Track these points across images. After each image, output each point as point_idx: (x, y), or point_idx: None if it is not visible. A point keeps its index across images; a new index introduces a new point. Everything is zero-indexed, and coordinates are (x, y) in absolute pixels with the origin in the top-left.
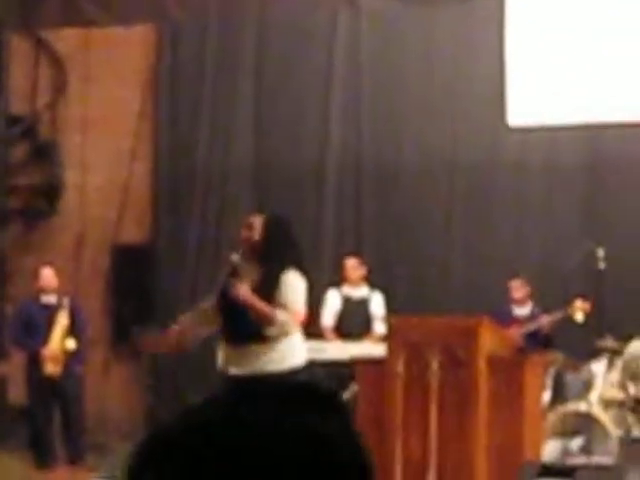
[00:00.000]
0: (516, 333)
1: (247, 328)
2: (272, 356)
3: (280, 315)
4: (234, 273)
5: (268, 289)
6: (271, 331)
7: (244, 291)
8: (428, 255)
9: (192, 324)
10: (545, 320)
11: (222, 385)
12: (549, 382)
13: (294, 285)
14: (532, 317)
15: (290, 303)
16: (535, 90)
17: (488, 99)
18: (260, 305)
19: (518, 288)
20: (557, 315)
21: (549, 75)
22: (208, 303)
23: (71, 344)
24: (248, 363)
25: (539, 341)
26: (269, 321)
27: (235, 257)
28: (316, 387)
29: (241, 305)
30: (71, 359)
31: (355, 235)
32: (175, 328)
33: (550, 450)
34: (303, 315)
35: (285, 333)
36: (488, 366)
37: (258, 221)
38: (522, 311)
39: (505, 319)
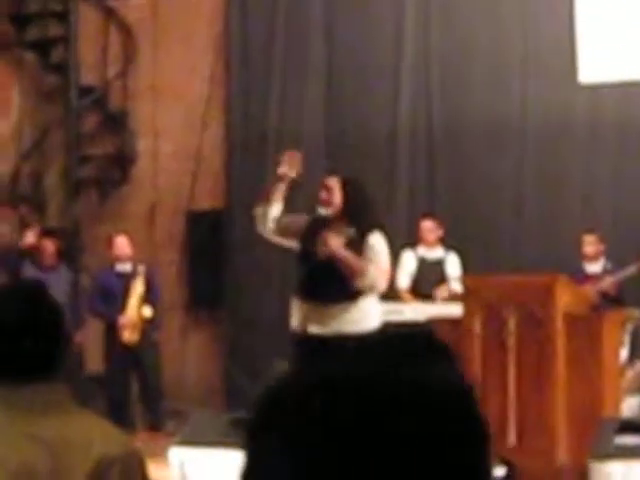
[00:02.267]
0: (591, 290)
1: (332, 286)
2: (353, 316)
3: (370, 268)
4: (323, 226)
5: (354, 249)
6: (362, 283)
7: (336, 243)
8: (500, 215)
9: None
10: (617, 276)
11: (301, 344)
12: (627, 339)
13: (379, 247)
14: (604, 274)
15: (378, 263)
16: (606, 46)
17: (559, 57)
18: (352, 257)
19: (592, 243)
20: (628, 270)
21: (620, 30)
22: (295, 219)
23: (147, 312)
24: (329, 322)
25: (610, 299)
26: (360, 273)
27: (323, 211)
28: (426, 337)
29: (327, 262)
30: (148, 326)
31: (428, 197)
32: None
33: (629, 406)
34: (389, 274)
35: (374, 286)
36: (565, 324)
37: (334, 182)
38: (594, 268)
39: (577, 276)
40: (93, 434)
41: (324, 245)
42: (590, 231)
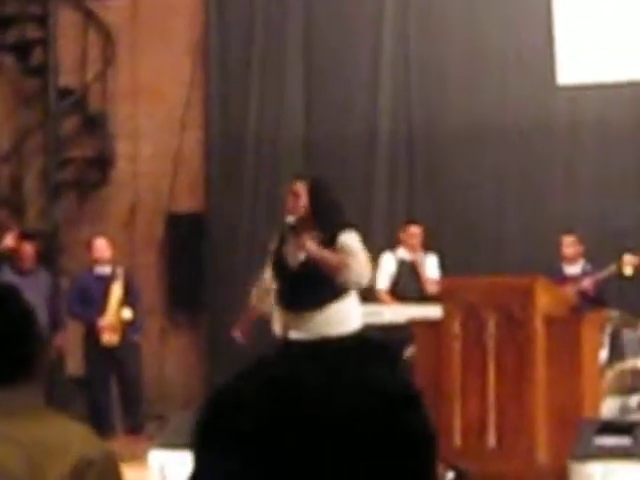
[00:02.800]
0: (571, 291)
1: (308, 293)
2: (333, 319)
3: (352, 261)
4: (291, 234)
5: (329, 248)
6: (347, 277)
7: (310, 244)
8: (480, 217)
9: (261, 298)
10: (596, 277)
11: (284, 351)
12: (606, 340)
13: (352, 244)
14: (583, 276)
15: (355, 254)
16: (585, 48)
17: (537, 58)
18: (329, 255)
19: (571, 245)
20: (607, 271)
21: (598, 32)
22: (266, 277)
23: (127, 314)
24: (308, 327)
25: (590, 300)
26: (341, 267)
27: (290, 219)
28: (372, 341)
29: (298, 271)
30: (128, 329)
31: (407, 200)
32: (252, 306)
33: (609, 408)
34: (369, 266)
35: (360, 277)
36: (545, 325)
37: (301, 187)
38: (573, 269)
39: (556, 278)
40: (70, 436)
41: (301, 249)
42: (570, 232)
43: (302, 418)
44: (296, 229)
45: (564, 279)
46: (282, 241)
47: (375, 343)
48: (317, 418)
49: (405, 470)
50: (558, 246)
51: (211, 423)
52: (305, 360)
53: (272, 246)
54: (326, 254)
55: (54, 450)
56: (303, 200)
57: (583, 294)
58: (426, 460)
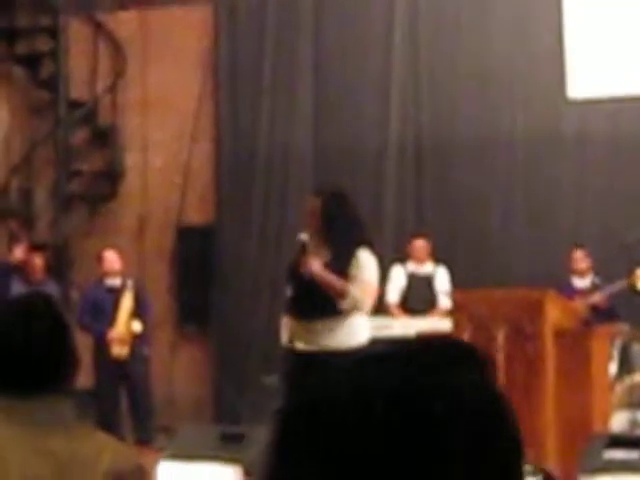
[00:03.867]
0: (581, 305)
1: (318, 304)
2: (340, 332)
3: (353, 289)
4: (304, 252)
5: (339, 268)
6: (345, 305)
7: (316, 266)
8: (490, 230)
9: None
10: (607, 291)
11: (289, 361)
12: (616, 354)
13: (366, 263)
14: (593, 289)
15: (364, 279)
16: (595, 61)
17: (547, 72)
18: (332, 279)
19: (581, 259)
20: (618, 285)
21: (609, 46)
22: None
23: (137, 326)
24: (315, 339)
25: (602, 313)
26: (342, 295)
27: (304, 236)
28: (461, 343)
29: (312, 281)
30: (137, 341)
31: (416, 212)
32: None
33: (618, 421)
34: (376, 292)
35: (358, 308)
36: (554, 339)
37: (316, 205)
38: (583, 283)
39: (566, 291)
40: (101, 448)
41: (305, 269)
42: (579, 246)
43: (396, 426)
44: (308, 245)
45: (574, 292)
46: (297, 257)
47: (464, 346)
48: (412, 424)
49: (498, 475)
50: (568, 260)
51: (288, 443)
52: (396, 363)
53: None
54: (329, 278)
55: (86, 462)
56: (317, 216)
57: (595, 308)
58: (517, 464)
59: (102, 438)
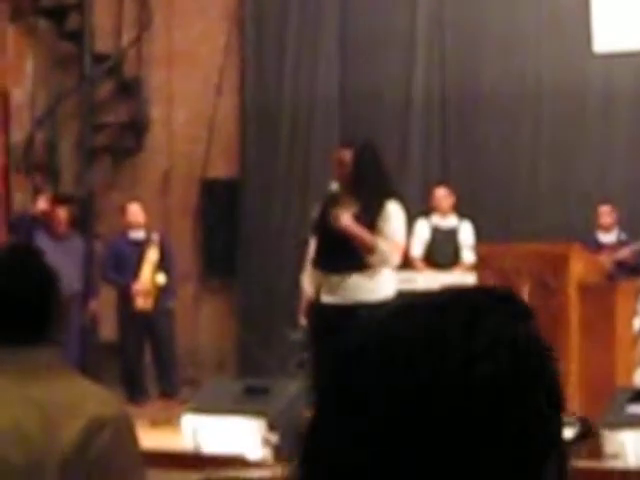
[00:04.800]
0: (607, 260)
1: (346, 257)
2: (368, 285)
3: (381, 244)
4: (333, 203)
5: (368, 220)
6: (373, 259)
7: (346, 219)
8: (515, 183)
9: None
10: (634, 247)
11: (315, 314)
12: None
13: (395, 215)
14: (618, 244)
15: (392, 233)
16: (621, 15)
17: (573, 25)
18: (362, 233)
19: (607, 213)
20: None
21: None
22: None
23: (161, 279)
24: (342, 292)
25: (628, 269)
26: (371, 249)
27: (334, 186)
28: (506, 296)
29: (340, 234)
30: (162, 294)
31: (441, 165)
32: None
33: None
34: (404, 245)
35: (386, 262)
36: (579, 293)
37: (348, 155)
38: (608, 238)
39: (591, 246)
40: (85, 395)
41: (335, 222)
42: (606, 201)
43: (436, 375)
44: (338, 196)
45: (600, 247)
46: (326, 207)
47: (501, 294)
48: (452, 375)
49: (539, 426)
50: (594, 215)
51: (340, 380)
52: (436, 313)
53: (314, 214)
54: (359, 232)
55: (69, 409)
56: (348, 168)
57: (621, 263)
58: (555, 417)
59: (86, 385)
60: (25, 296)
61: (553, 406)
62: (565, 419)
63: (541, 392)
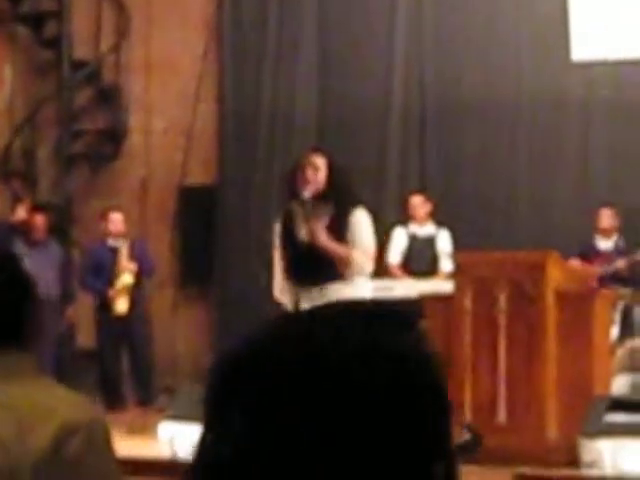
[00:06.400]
0: (595, 271)
1: (322, 268)
2: (344, 293)
3: (356, 255)
4: (303, 210)
5: (339, 228)
6: (348, 271)
7: (322, 236)
8: (493, 191)
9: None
10: (632, 258)
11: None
12: (617, 317)
13: (363, 222)
14: (615, 252)
15: (362, 241)
16: (599, 24)
17: (552, 34)
18: (337, 248)
19: (608, 217)
20: (636, 256)
21: (613, 8)
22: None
23: (128, 278)
24: (321, 300)
25: (624, 280)
26: (346, 262)
27: (306, 193)
28: (391, 308)
29: (312, 245)
30: (139, 298)
31: (419, 173)
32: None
33: (619, 385)
34: (374, 252)
35: (360, 272)
36: (556, 300)
37: (321, 161)
38: (606, 245)
39: (588, 252)
40: (58, 400)
41: (310, 236)
42: (608, 205)
43: (315, 378)
44: (310, 204)
45: (596, 254)
46: (289, 217)
47: (389, 306)
48: (330, 379)
49: (420, 428)
50: (594, 218)
51: (225, 383)
52: (319, 320)
53: (277, 227)
54: (333, 246)
55: (42, 414)
56: (322, 174)
57: (616, 274)
58: (441, 418)
59: (59, 391)
60: (0, 301)
61: (437, 410)
62: (455, 426)
63: (423, 397)
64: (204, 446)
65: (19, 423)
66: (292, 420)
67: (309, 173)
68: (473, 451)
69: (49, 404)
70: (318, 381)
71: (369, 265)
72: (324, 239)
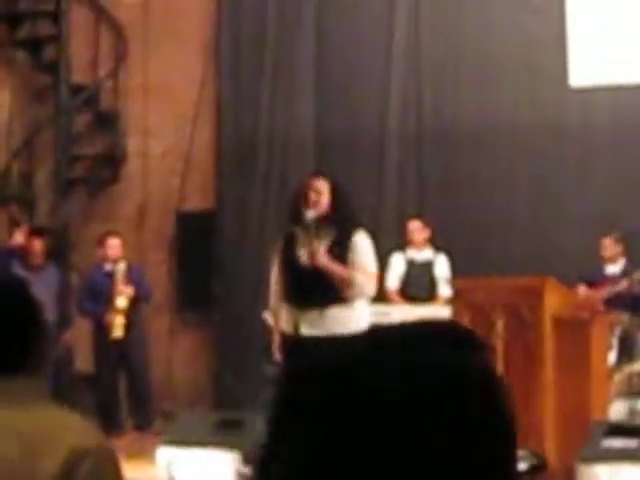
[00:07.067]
0: (603, 293)
1: (321, 291)
2: (345, 317)
3: (358, 277)
4: (306, 232)
5: (341, 251)
6: (351, 293)
7: (323, 257)
8: (491, 217)
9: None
10: (632, 280)
11: (293, 345)
12: (615, 342)
13: (365, 246)
14: (622, 275)
15: (364, 263)
16: (597, 49)
17: (550, 59)
18: (339, 269)
19: (608, 246)
20: (636, 275)
21: (612, 34)
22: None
23: (122, 302)
24: (322, 324)
25: (626, 303)
26: (348, 284)
27: (310, 214)
28: (452, 326)
29: (315, 268)
30: (136, 322)
31: (418, 197)
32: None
33: (617, 410)
34: (377, 274)
35: (363, 294)
36: (554, 326)
37: (324, 186)
38: (613, 269)
39: (597, 278)
40: (66, 426)
41: (313, 259)
42: (608, 234)
43: (382, 398)
44: (314, 226)
45: (604, 279)
46: (290, 240)
47: (462, 329)
48: (397, 399)
49: (486, 452)
50: (598, 247)
51: (295, 398)
52: (375, 346)
53: (277, 249)
54: (336, 269)
55: (50, 439)
56: (325, 198)
57: (619, 296)
58: (508, 447)
59: (66, 416)
60: (6, 323)
61: (502, 434)
62: (519, 451)
63: (488, 420)
64: (268, 464)
65: (28, 450)
66: (362, 438)
67: (312, 196)
68: (539, 475)
69: (56, 430)
70: (410, 405)
71: (372, 287)
72: (325, 260)
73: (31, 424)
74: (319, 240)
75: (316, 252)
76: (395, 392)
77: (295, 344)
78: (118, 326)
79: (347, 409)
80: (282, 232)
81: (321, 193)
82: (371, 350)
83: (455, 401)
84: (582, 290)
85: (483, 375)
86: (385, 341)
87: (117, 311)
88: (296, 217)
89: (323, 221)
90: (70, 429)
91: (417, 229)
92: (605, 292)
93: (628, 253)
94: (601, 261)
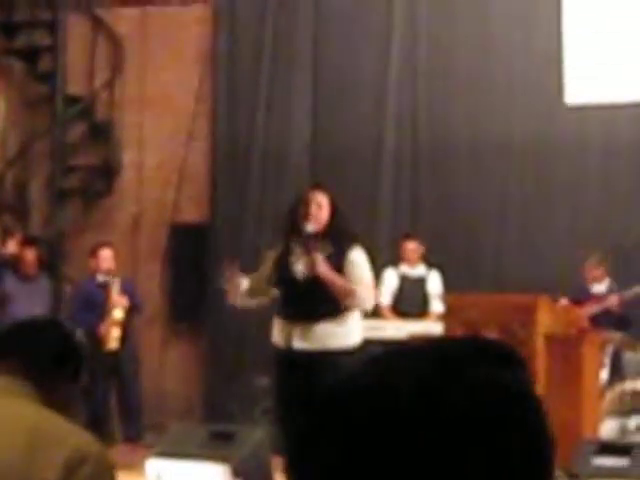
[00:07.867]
0: (584, 312)
1: (315, 305)
2: (338, 332)
3: (358, 289)
4: (305, 243)
5: (337, 266)
6: (350, 303)
7: (324, 268)
8: (484, 233)
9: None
10: (623, 295)
11: (286, 359)
12: (607, 361)
13: (362, 260)
14: (609, 294)
15: (361, 277)
16: (593, 67)
17: (545, 77)
18: (339, 280)
19: (594, 266)
20: (633, 291)
21: (607, 52)
22: (264, 272)
23: (118, 314)
24: (315, 338)
25: (615, 318)
26: (348, 293)
27: (310, 227)
28: (488, 342)
29: (309, 282)
30: (129, 334)
31: (411, 214)
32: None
33: (608, 429)
34: (374, 287)
35: (362, 305)
36: (546, 344)
37: (325, 199)
38: (599, 288)
39: (582, 296)
40: (70, 430)
41: (312, 268)
42: (591, 255)
43: (437, 414)
44: (313, 239)
45: (590, 297)
46: (286, 252)
47: (492, 344)
48: (435, 416)
49: (526, 470)
50: (582, 268)
51: (309, 442)
52: (424, 358)
53: (274, 253)
54: (336, 279)
55: (56, 439)
56: (325, 211)
57: (608, 312)
58: (544, 466)
59: (69, 424)
60: (61, 345)
61: (541, 449)
62: (556, 471)
63: (533, 435)
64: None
65: (32, 443)
66: (393, 455)
67: (313, 209)
68: None
69: (61, 431)
70: (431, 417)
71: (372, 299)
72: (325, 269)
73: (39, 421)
74: (317, 251)
75: (316, 260)
76: (456, 408)
77: (287, 358)
78: (114, 338)
79: (399, 425)
80: (278, 243)
81: (322, 206)
82: (415, 366)
83: (486, 420)
84: (565, 304)
85: (528, 391)
86: (428, 355)
87: (113, 323)
88: (293, 229)
89: (320, 235)
90: (73, 433)
91: (412, 249)
92: (592, 309)
93: (617, 270)
94: (586, 282)
